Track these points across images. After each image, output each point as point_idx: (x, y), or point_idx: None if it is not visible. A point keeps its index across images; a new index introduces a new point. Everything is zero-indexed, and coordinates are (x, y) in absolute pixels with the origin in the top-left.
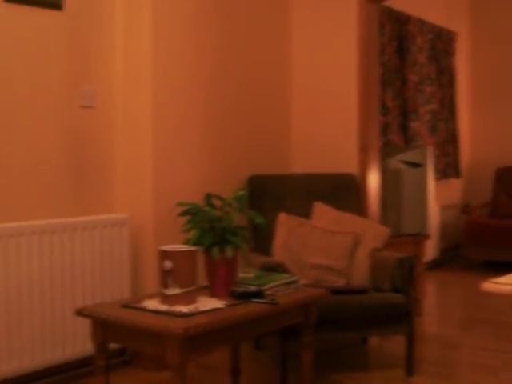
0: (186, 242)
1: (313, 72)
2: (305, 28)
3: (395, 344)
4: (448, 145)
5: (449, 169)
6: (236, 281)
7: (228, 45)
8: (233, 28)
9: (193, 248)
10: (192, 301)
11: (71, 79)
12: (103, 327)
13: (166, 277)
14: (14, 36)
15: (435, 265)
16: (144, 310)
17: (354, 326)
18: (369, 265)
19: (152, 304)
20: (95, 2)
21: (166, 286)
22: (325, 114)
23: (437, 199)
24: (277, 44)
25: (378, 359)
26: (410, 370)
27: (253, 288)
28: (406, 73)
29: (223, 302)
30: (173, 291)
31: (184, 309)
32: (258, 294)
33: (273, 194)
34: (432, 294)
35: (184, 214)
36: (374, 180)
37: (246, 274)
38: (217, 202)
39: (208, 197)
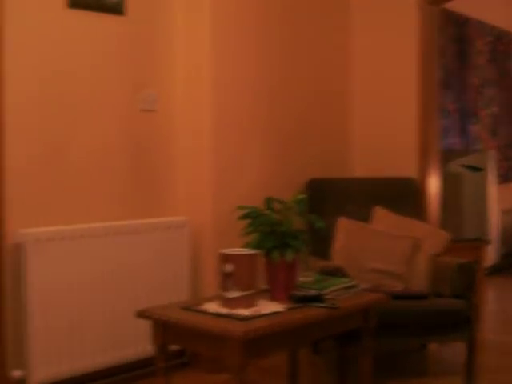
0: (246, 246)
1: (373, 75)
2: (364, 32)
3: (455, 350)
4: (509, 149)
5: (510, 173)
6: (296, 284)
7: (288, 49)
8: (293, 32)
9: (253, 251)
10: (252, 304)
11: (132, 83)
12: (164, 329)
13: (226, 280)
14: (78, 40)
15: (495, 270)
16: (205, 312)
17: (413, 331)
18: (428, 270)
19: (212, 307)
20: (156, 7)
21: (226, 288)
22: (385, 117)
23: (498, 204)
24: (337, 48)
25: (437, 366)
26: (469, 378)
27: (313, 292)
28: (466, 75)
29: (283, 306)
30: (233, 294)
31: (244, 312)
32: (318, 298)
33: (332, 198)
34: (492, 300)
35: (244, 217)
36: (434, 184)
37: (306, 278)
38: (277, 206)
39: (268, 200)
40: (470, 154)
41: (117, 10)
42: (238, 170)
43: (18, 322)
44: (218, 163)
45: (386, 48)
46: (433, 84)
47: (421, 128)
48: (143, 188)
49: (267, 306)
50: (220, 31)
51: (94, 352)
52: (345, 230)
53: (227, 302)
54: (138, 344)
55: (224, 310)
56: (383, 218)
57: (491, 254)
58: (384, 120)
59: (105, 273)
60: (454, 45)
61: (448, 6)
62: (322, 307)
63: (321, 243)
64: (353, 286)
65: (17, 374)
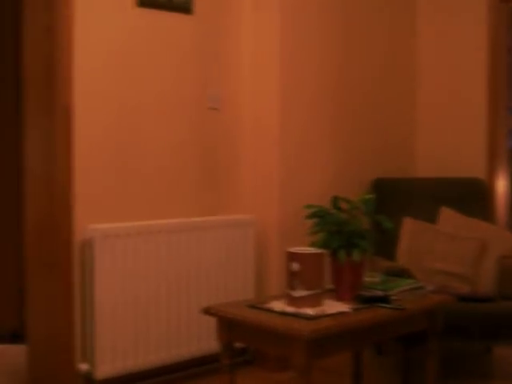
0: (312, 245)
1: (440, 73)
2: (431, 28)
3: None
4: None
5: None
6: (362, 285)
7: (353, 46)
8: (358, 30)
9: (320, 250)
10: (318, 303)
11: (200, 81)
12: (229, 326)
13: (292, 278)
14: (147, 39)
15: None
16: (271, 311)
17: (480, 334)
18: (495, 272)
19: (278, 305)
20: (224, 7)
21: (292, 287)
22: (452, 116)
23: None
24: (402, 44)
25: (503, 369)
26: None
27: (379, 292)
28: None
29: (349, 306)
30: (299, 293)
31: (310, 311)
32: (384, 299)
33: (398, 198)
34: None
35: (311, 216)
36: (502, 185)
37: (371, 278)
38: (343, 205)
39: (335, 199)
40: None
41: (185, 8)
42: (304, 169)
43: (86, 316)
44: (284, 162)
45: (454, 46)
46: (502, 83)
47: (489, 127)
48: (210, 186)
49: (333, 306)
50: (286, 30)
51: (159, 348)
52: (410, 231)
53: (293, 301)
54: (202, 341)
55: (290, 309)
56: (450, 219)
57: None
58: (451, 119)
59: (171, 269)
60: None
61: None
62: (388, 308)
63: (386, 244)
64: (419, 288)
65: (83, 367)
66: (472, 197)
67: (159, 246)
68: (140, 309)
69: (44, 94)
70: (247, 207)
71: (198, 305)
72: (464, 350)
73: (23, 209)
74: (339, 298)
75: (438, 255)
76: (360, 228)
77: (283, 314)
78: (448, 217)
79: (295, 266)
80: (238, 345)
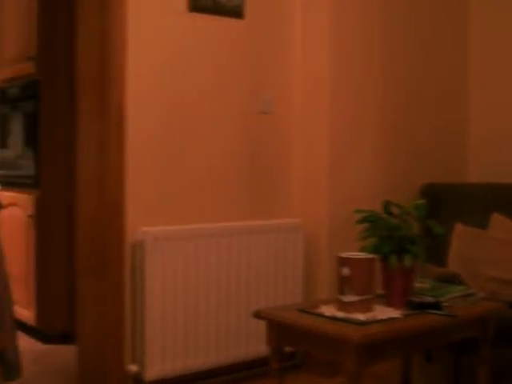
0: (362, 250)
1: (493, 77)
2: (484, 28)
3: None
4: None
5: None
6: (413, 291)
7: (403, 49)
8: (407, 32)
9: (371, 256)
10: (369, 309)
11: (251, 85)
12: (279, 330)
13: (343, 283)
14: (198, 44)
15: None
16: (321, 315)
17: None
18: None
19: (329, 310)
20: (275, 11)
21: (343, 292)
22: (505, 120)
23: None
24: (452, 45)
25: None
26: None
27: (430, 299)
28: None
29: (399, 312)
30: (350, 298)
31: (361, 317)
32: (436, 306)
33: (448, 204)
34: None
35: (362, 221)
36: None
37: (422, 285)
38: (395, 210)
39: (387, 204)
40: None
41: (236, 13)
42: (352, 173)
43: (136, 317)
44: (332, 166)
45: (506, 48)
46: None
47: None
48: (259, 189)
49: (383, 312)
50: (338, 34)
51: (208, 350)
52: (461, 237)
53: (344, 306)
54: (251, 344)
55: (340, 314)
56: (502, 225)
57: None
58: (504, 123)
59: (220, 273)
60: None
61: None
62: (439, 315)
63: (436, 250)
64: (470, 294)
65: (133, 368)
66: None
67: (209, 249)
68: (190, 311)
69: (97, 94)
70: (297, 211)
71: (247, 308)
72: None
73: (75, 209)
74: (390, 303)
75: (490, 262)
76: (411, 233)
77: (333, 318)
78: (500, 223)
79: (346, 271)
80: (286, 349)
